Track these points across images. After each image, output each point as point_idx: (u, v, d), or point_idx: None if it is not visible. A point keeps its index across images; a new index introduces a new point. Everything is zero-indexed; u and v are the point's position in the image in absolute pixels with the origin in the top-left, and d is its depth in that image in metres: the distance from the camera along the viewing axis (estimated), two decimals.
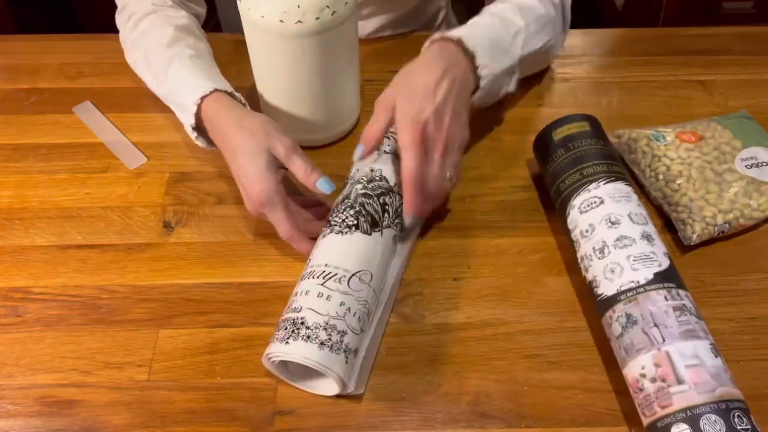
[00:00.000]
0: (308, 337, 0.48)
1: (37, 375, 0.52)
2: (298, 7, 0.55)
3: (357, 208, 0.54)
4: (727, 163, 0.62)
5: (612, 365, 0.51)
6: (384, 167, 0.57)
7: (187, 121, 0.61)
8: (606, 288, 0.51)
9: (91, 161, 0.68)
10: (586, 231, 0.54)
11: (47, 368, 0.52)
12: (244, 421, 0.49)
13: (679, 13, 1.47)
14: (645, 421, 0.46)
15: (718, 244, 0.60)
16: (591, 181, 0.56)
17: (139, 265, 0.59)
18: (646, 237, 0.52)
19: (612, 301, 0.50)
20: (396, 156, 0.58)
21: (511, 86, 0.65)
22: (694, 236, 0.58)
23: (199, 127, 0.61)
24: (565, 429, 0.49)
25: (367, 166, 0.58)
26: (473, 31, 0.61)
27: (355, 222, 0.54)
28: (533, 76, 0.75)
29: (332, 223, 0.55)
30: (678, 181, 0.61)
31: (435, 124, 0.54)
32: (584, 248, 0.54)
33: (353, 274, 0.51)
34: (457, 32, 0.60)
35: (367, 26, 0.81)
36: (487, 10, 0.66)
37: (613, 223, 0.53)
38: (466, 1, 1.23)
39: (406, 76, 0.58)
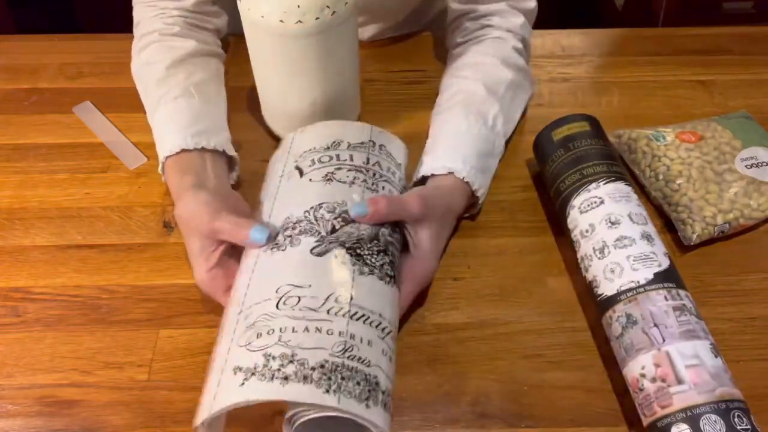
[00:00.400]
0: (385, 405, 0.42)
1: (37, 375, 0.52)
2: (298, 7, 0.55)
3: (390, 258, 0.50)
4: (727, 163, 0.62)
5: (612, 365, 0.51)
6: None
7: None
8: (606, 288, 0.51)
9: (91, 161, 0.68)
10: (586, 231, 0.54)
11: (47, 368, 0.52)
12: (244, 420, 0.49)
13: (679, 13, 1.48)
14: (645, 421, 0.46)
15: (718, 244, 0.60)
16: (591, 181, 0.56)
17: (139, 265, 0.59)
18: (646, 237, 0.52)
19: (612, 301, 0.50)
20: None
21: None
22: (694, 236, 0.58)
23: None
24: (565, 429, 0.49)
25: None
26: (462, 156, 0.58)
27: (393, 274, 0.49)
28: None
29: (368, 263, 0.48)
30: (678, 181, 0.61)
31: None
32: (584, 248, 0.54)
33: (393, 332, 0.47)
34: (450, 163, 0.58)
35: (364, 33, 0.80)
36: (457, 100, 0.63)
37: (613, 223, 0.53)
38: None
39: (443, 216, 0.56)
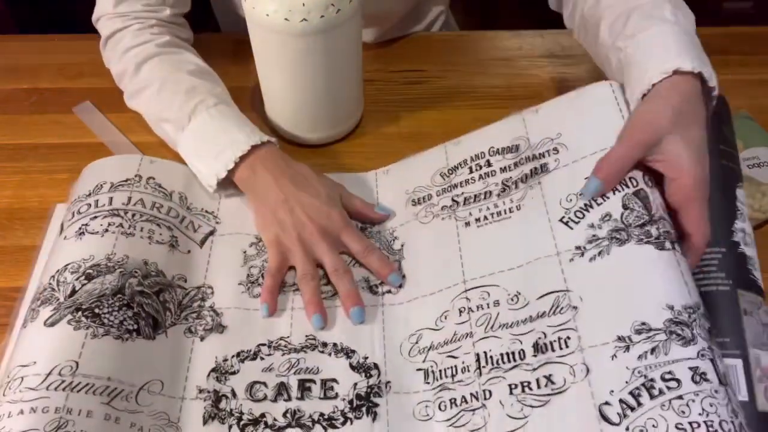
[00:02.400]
0: None
1: None
2: (303, 5, 0.55)
3: (135, 309, 0.49)
4: None
5: None
6: (159, 260, 0.53)
7: (219, 168, 0.58)
8: None
9: (91, 161, 0.68)
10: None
11: None
12: None
13: None
14: None
15: None
16: None
17: None
18: None
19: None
20: (172, 246, 0.55)
21: None
22: None
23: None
24: None
25: (140, 257, 0.52)
26: (696, 54, 0.55)
27: (136, 326, 0.49)
28: (530, 76, 0.76)
29: (105, 322, 0.47)
30: None
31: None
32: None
33: (140, 388, 0.46)
34: (686, 62, 0.53)
35: (365, 36, 0.80)
36: (661, 17, 0.57)
37: None
38: (464, 2, 1.22)
39: (679, 120, 0.49)
